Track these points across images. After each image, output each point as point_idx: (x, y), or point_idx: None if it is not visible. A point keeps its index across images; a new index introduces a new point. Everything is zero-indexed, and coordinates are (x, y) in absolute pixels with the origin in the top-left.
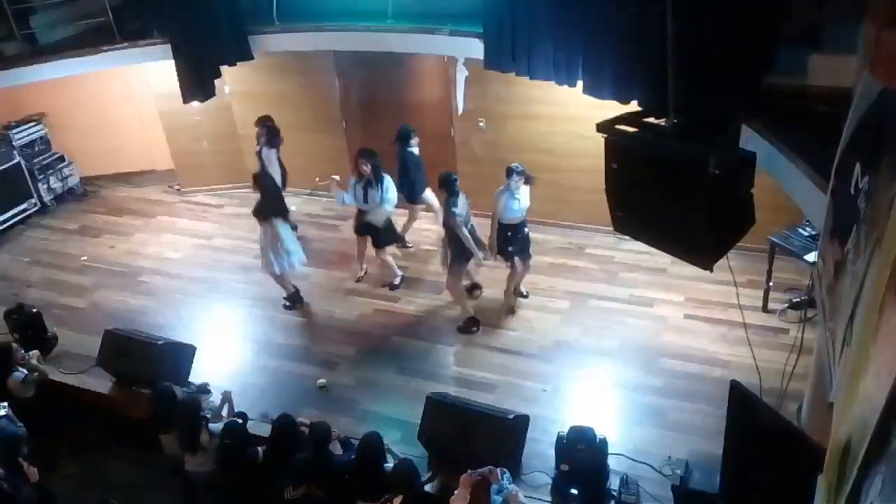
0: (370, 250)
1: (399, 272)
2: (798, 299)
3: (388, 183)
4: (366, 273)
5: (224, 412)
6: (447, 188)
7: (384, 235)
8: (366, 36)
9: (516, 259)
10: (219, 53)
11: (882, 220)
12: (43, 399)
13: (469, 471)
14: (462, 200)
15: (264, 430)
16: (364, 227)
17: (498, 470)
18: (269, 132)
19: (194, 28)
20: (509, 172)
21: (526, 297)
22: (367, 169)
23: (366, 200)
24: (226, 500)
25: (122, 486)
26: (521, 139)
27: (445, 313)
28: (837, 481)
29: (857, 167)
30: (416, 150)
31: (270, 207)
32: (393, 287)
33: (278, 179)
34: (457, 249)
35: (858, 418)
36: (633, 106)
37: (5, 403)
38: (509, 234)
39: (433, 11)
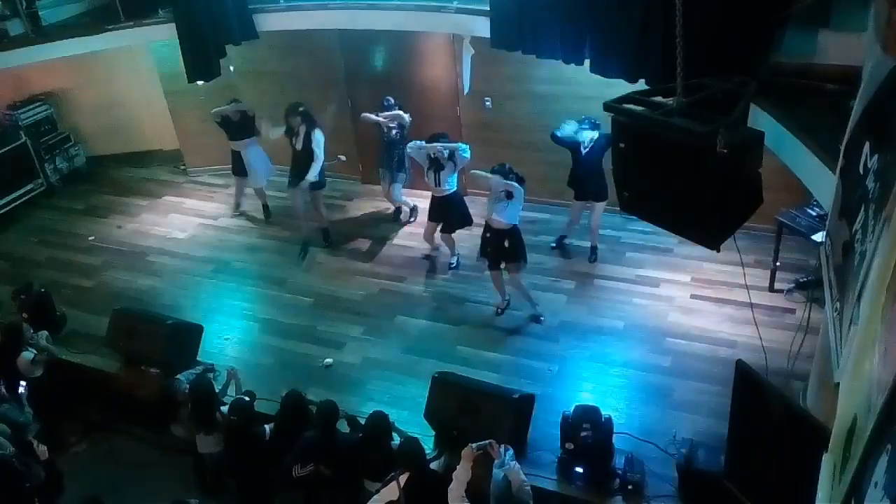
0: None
1: (457, 252)
2: (805, 279)
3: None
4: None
5: (231, 391)
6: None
7: (455, 222)
8: (371, 14)
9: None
10: (224, 32)
11: (891, 200)
12: (52, 379)
13: (470, 444)
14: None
15: (272, 409)
16: (437, 214)
17: (501, 446)
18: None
19: (199, 7)
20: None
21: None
22: (444, 153)
23: (438, 183)
24: (234, 478)
25: (131, 466)
26: (528, 118)
27: (451, 293)
28: (843, 461)
29: (867, 146)
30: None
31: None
32: (451, 267)
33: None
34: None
35: (864, 398)
36: (641, 85)
37: (23, 383)
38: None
39: None
